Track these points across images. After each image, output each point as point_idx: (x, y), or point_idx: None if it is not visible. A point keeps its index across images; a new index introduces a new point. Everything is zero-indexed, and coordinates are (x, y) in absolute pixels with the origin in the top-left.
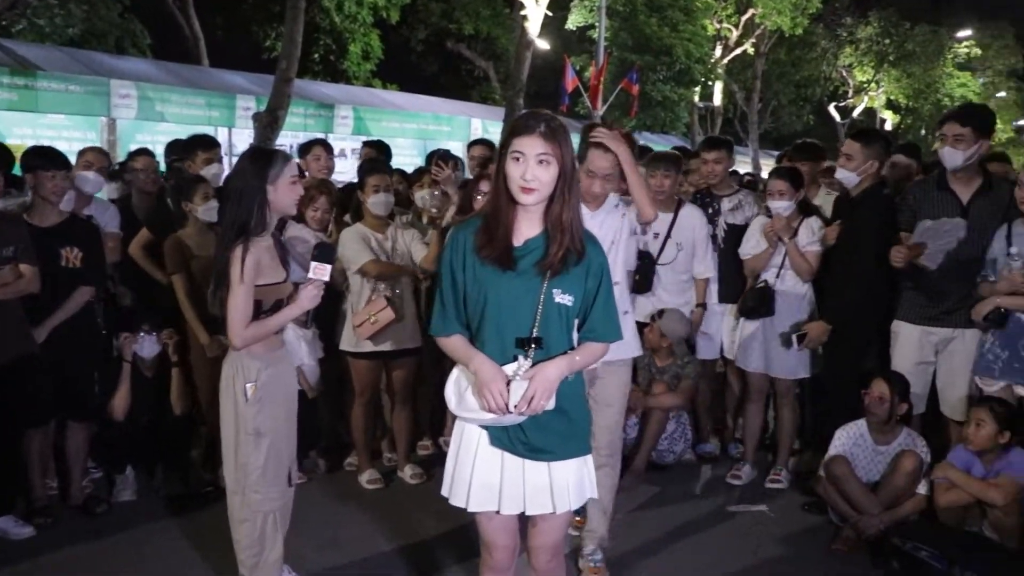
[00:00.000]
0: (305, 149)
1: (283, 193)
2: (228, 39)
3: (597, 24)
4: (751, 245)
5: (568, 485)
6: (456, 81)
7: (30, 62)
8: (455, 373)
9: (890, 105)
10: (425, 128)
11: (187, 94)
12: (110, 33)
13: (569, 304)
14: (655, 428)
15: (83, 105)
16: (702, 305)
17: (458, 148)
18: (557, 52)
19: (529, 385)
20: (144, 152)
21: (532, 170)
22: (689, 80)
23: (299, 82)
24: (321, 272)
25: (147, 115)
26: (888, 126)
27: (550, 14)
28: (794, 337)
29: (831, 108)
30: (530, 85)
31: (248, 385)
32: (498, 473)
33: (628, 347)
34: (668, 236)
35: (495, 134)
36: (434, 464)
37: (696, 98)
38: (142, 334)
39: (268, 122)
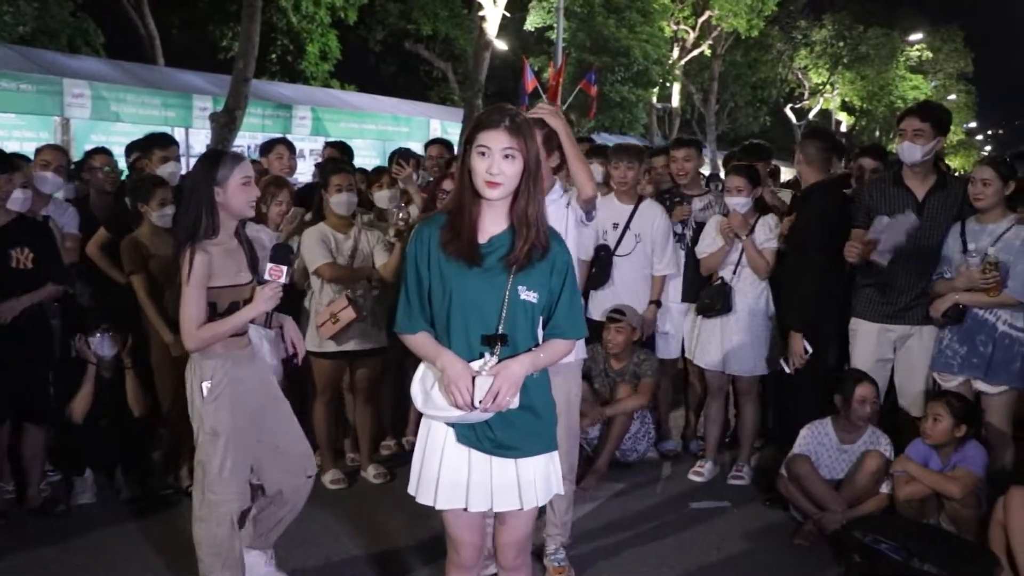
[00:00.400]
0: (267, 148)
1: (234, 194)
2: (183, 38)
3: (555, 25)
4: (707, 243)
5: (535, 481)
6: (414, 82)
7: None
8: (420, 371)
9: (845, 107)
10: (384, 129)
11: (143, 94)
12: (62, 32)
13: (534, 301)
14: (619, 430)
15: (36, 104)
16: (656, 302)
17: (417, 149)
18: (515, 53)
19: (494, 381)
20: (102, 151)
21: (497, 164)
22: (647, 81)
23: (257, 82)
24: (276, 274)
25: (102, 115)
26: (843, 128)
27: (508, 15)
28: (781, 362)
29: (787, 110)
30: (488, 86)
31: (205, 384)
32: (465, 470)
33: (576, 349)
34: (627, 227)
35: (454, 135)
36: (397, 463)
37: (654, 99)
38: (99, 334)
39: (225, 122)
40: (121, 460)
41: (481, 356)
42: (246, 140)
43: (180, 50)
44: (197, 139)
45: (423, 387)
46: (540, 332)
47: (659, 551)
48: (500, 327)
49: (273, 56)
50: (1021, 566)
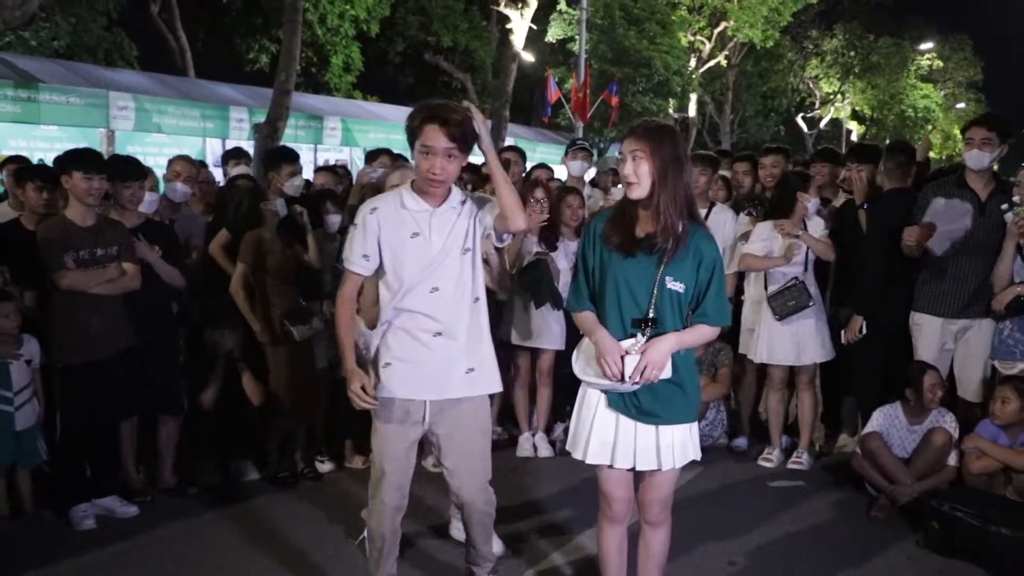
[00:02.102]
0: (372, 156)
1: None
2: (209, 50)
3: (577, 37)
4: (758, 246)
5: (673, 446)
6: (433, 92)
7: (31, 75)
8: (584, 343)
9: (855, 116)
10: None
11: (182, 106)
12: (98, 46)
13: (680, 291)
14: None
15: (83, 117)
16: (729, 298)
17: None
18: (533, 65)
19: (642, 358)
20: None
21: (628, 165)
22: (668, 92)
23: None
24: None
25: (144, 127)
26: (854, 137)
27: (535, 27)
28: (843, 333)
29: (799, 119)
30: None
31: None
32: (613, 431)
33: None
34: None
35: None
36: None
37: (671, 109)
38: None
39: (268, 133)
40: (241, 446)
41: (632, 336)
42: None
43: (206, 61)
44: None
45: (584, 355)
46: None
47: (747, 523)
48: (650, 311)
49: (298, 67)
50: None
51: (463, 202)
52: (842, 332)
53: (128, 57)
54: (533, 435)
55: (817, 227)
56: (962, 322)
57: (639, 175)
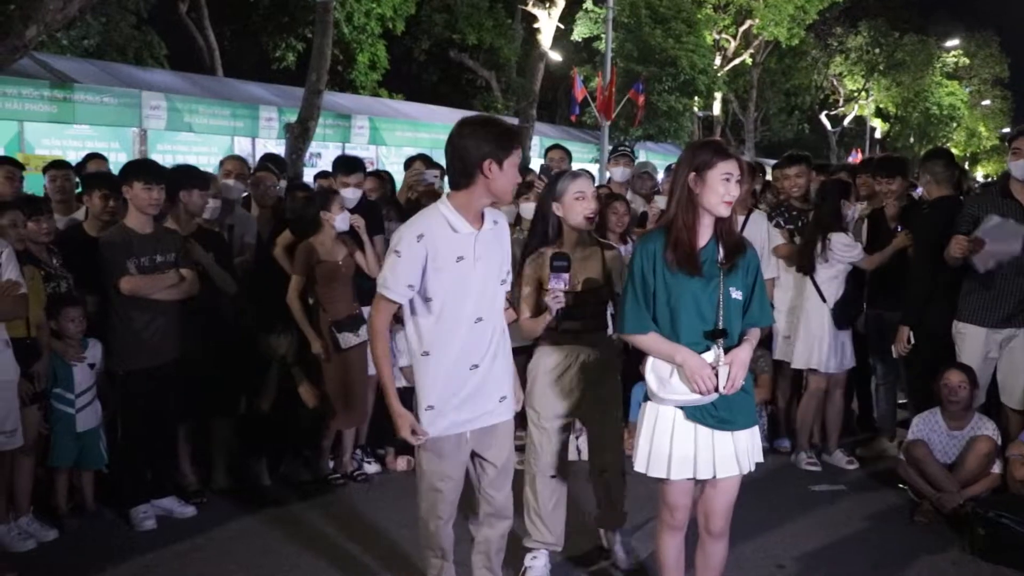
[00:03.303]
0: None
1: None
2: (235, 49)
3: (603, 36)
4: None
5: (748, 450)
6: (457, 90)
7: (66, 75)
8: (649, 363)
9: (879, 113)
10: (437, 138)
11: (213, 105)
12: (128, 45)
13: (740, 299)
14: None
15: (116, 116)
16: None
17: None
18: (560, 64)
19: (731, 368)
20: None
21: (734, 188)
22: (693, 90)
23: None
24: (558, 284)
25: (175, 126)
26: (877, 134)
27: (562, 27)
28: (893, 348)
29: (822, 116)
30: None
31: None
32: (692, 444)
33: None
34: None
35: None
36: None
37: (696, 108)
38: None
39: (299, 133)
40: (294, 448)
41: (706, 349)
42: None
43: (232, 60)
44: (263, 149)
45: (657, 376)
46: None
47: (791, 526)
48: (719, 323)
49: None
50: None
51: (496, 222)
52: (892, 347)
53: (158, 56)
54: (577, 438)
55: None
56: (1007, 331)
57: (735, 197)
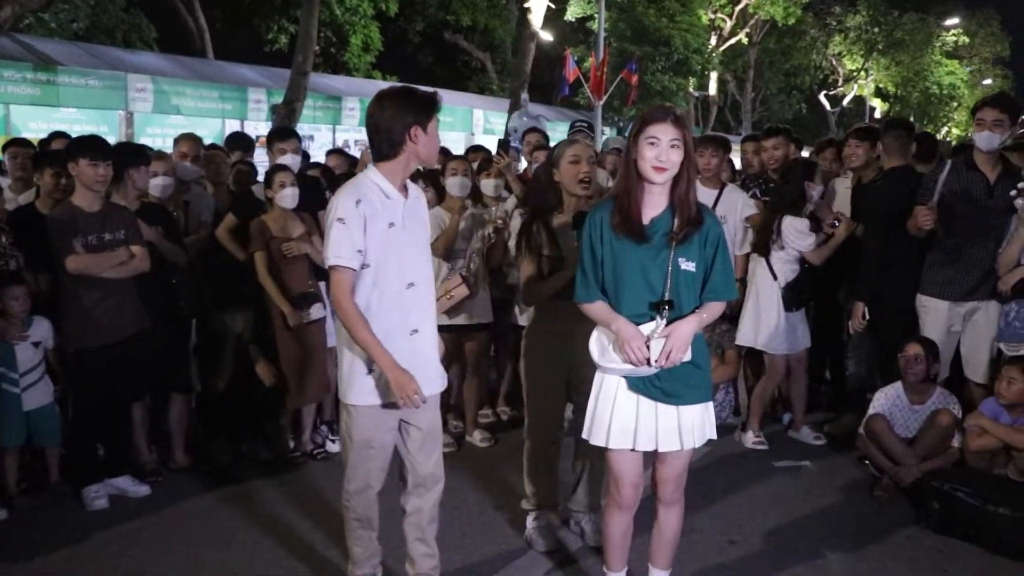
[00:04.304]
0: None
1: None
2: (227, 32)
3: (596, 15)
4: (810, 241)
5: (693, 426)
6: (452, 72)
7: (50, 57)
8: (595, 333)
9: (879, 93)
10: None
11: (200, 87)
12: (117, 28)
13: (693, 270)
14: None
15: (101, 99)
16: (741, 280)
17: (459, 139)
18: (552, 44)
19: (667, 341)
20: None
21: (665, 152)
22: (687, 70)
23: None
24: None
25: (162, 108)
26: (877, 114)
27: (552, 6)
28: (848, 324)
29: (821, 96)
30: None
31: None
32: (634, 415)
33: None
34: (714, 209)
35: (497, 124)
36: (496, 430)
37: (691, 88)
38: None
39: (286, 114)
40: (252, 426)
41: (651, 319)
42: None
43: (224, 43)
44: (252, 132)
45: (600, 345)
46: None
47: (750, 502)
48: (666, 294)
49: (317, 48)
50: None
51: (416, 196)
52: (848, 323)
53: (147, 38)
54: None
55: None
56: (969, 304)
57: (673, 162)
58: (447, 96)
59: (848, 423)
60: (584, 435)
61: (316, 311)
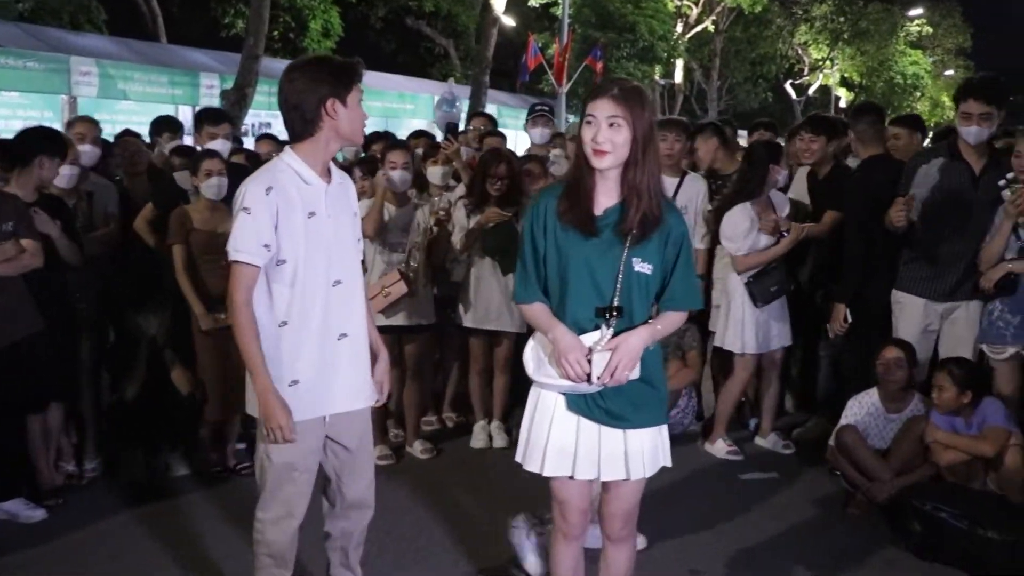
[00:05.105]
0: None
1: None
2: (185, 16)
3: (560, 1)
4: (745, 244)
5: (643, 452)
6: (415, 59)
7: None
8: (532, 340)
9: (844, 83)
10: (390, 106)
11: (150, 72)
12: (63, 9)
13: (648, 273)
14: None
15: (42, 83)
16: (701, 276)
17: (421, 125)
18: (518, 30)
19: (612, 355)
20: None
21: (603, 132)
22: (652, 57)
23: (263, 60)
24: None
25: (109, 93)
26: (843, 104)
27: None
28: (828, 327)
29: (787, 85)
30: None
31: None
32: (573, 438)
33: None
34: (674, 199)
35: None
36: (440, 439)
37: (657, 76)
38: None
39: (236, 100)
40: (169, 438)
41: (597, 328)
42: (251, 118)
43: (180, 27)
44: None
45: (536, 355)
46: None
47: (714, 522)
48: (615, 299)
49: (275, 33)
50: None
51: (341, 181)
52: (827, 326)
53: (96, 21)
54: (489, 423)
55: (783, 204)
56: (948, 304)
57: (615, 143)
58: (405, 82)
59: (818, 429)
60: (517, 458)
61: None
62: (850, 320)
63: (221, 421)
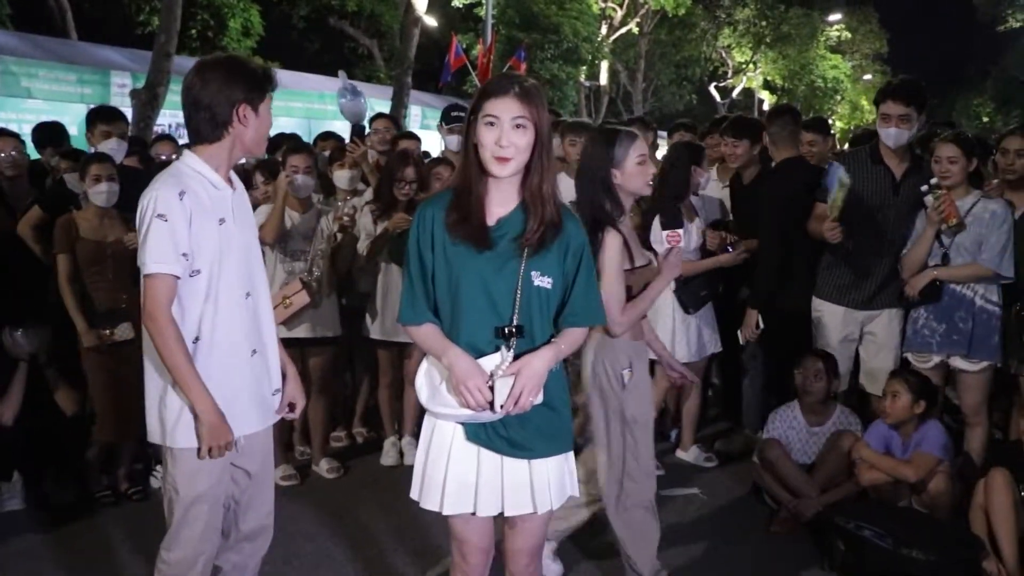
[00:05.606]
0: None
1: (631, 175)
2: (96, 11)
3: (484, 1)
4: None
5: (549, 483)
6: (339, 59)
7: None
8: (425, 365)
9: (767, 86)
10: (310, 107)
11: (56, 69)
12: None
13: (548, 287)
14: None
15: None
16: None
17: (344, 127)
18: (442, 30)
19: (516, 381)
20: (6, 133)
21: (508, 135)
22: (577, 59)
23: (179, 59)
24: (674, 239)
25: (11, 91)
26: (766, 106)
27: None
28: (739, 333)
29: (711, 88)
30: (414, 63)
31: (625, 371)
32: (474, 472)
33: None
34: None
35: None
36: (349, 456)
37: (582, 77)
38: (18, 330)
39: (147, 100)
40: (52, 462)
41: (496, 350)
42: (167, 118)
43: (93, 24)
44: None
45: (430, 381)
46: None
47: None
48: (515, 318)
49: (193, 31)
50: (1004, 549)
51: (242, 190)
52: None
53: (0, 15)
54: (400, 439)
55: (712, 208)
56: (869, 312)
57: (518, 147)
58: (325, 82)
59: (741, 442)
60: (413, 495)
61: (124, 331)
62: (762, 326)
63: (112, 443)
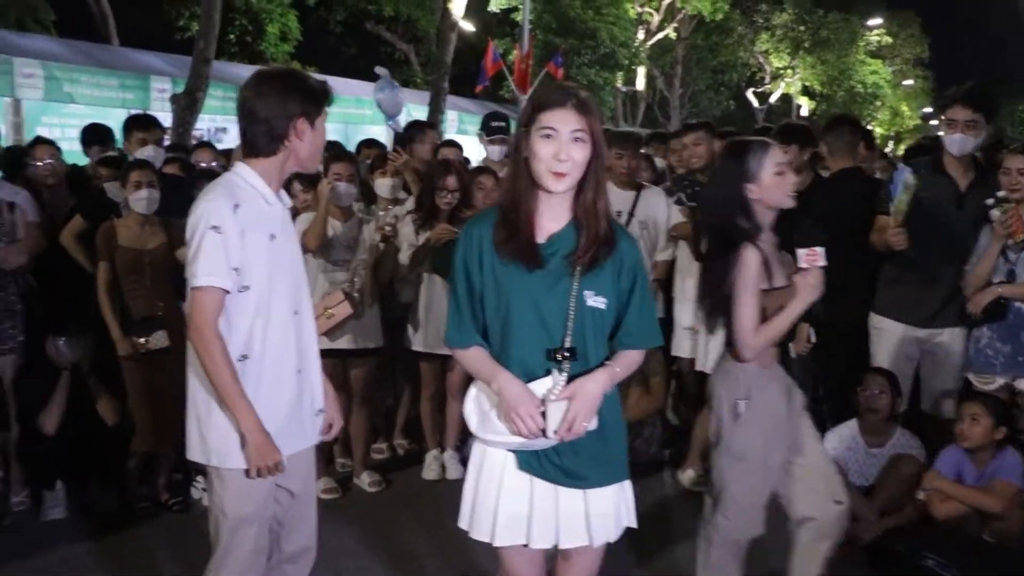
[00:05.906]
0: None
1: (770, 188)
2: (138, 17)
3: (520, 6)
4: None
5: (606, 514)
6: (375, 64)
7: None
8: (473, 391)
9: (806, 91)
10: (347, 112)
11: (98, 75)
12: (9, 9)
13: (603, 308)
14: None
15: None
16: (658, 280)
17: (380, 132)
18: (479, 35)
19: (570, 406)
20: (43, 142)
21: (566, 149)
22: (614, 64)
23: (217, 64)
24: (813, 258)
25: (55, 96)
26: (804, 112)
27: None
28: (791, 347)
29: (749, 94)
30: (451, 68)
31: (742, 402)
32: (527, 502)
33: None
34: (632, 215)
35: (419, 117)
36: (390, 469)
37: (619, 83)
38: (62, 339)
39: (187, 104)
40: (94, 471)
41: (547, 374)
42: (206, 123)
43: (134, 30)
44: None
45: (479, 408)
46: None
47: (684, 562)
48: (567, 339)
49: (232, 37)
50: None
51: (287, 205)
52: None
53: (44, 21)
54: (442, 452)
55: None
56: (930, 330)
57: (576, 162)
58: (363, 87)
59: None
60: (463, 525)
61: (159, 339)
62: (813, 340)
63: (151, 452)
